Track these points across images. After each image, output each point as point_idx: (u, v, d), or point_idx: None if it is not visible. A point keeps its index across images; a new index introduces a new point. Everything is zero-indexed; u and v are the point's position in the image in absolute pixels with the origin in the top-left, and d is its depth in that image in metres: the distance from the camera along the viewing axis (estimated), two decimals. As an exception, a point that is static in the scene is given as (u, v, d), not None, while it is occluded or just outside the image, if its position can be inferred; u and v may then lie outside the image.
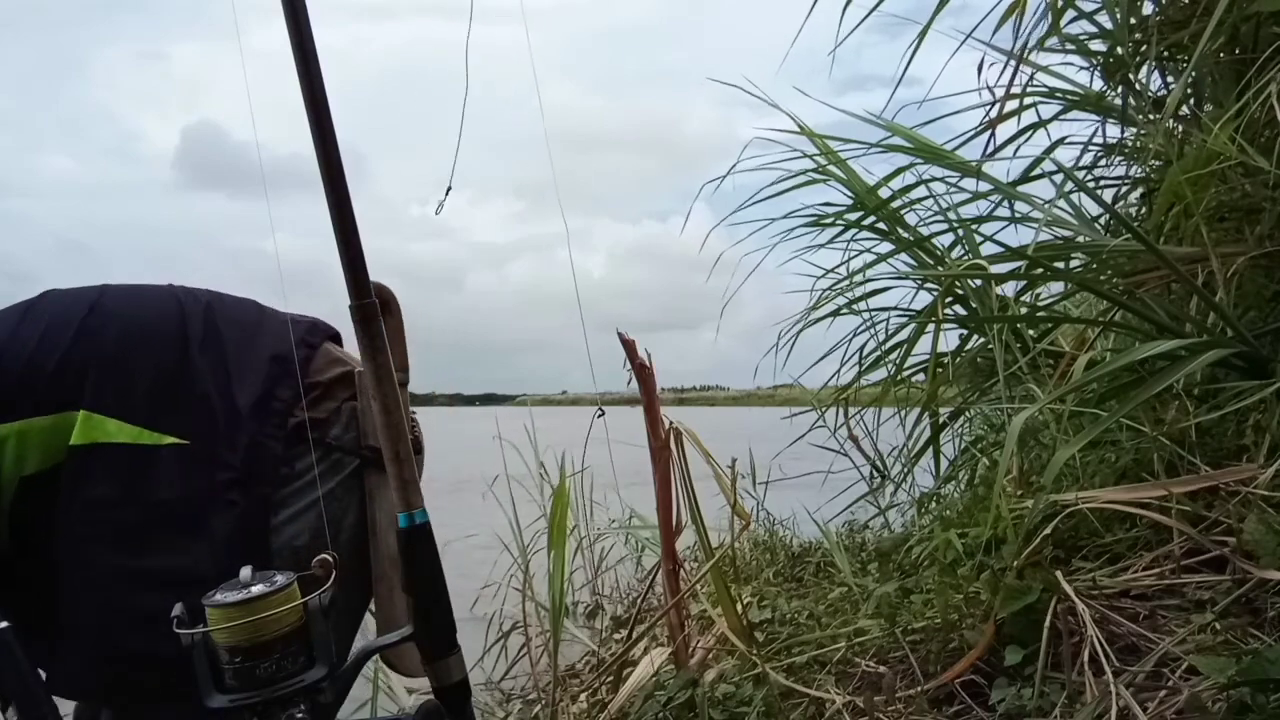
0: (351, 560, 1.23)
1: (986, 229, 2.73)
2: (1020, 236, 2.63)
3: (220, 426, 1.18)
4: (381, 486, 1.25)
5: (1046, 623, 1.52)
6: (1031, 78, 2.62)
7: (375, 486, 1.26)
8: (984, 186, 2.64)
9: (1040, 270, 2.40)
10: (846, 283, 2.95)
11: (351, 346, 1.34)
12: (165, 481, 1.14)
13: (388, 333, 1.27)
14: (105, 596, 1.12)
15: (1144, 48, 2.46)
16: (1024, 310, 2.60)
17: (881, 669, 1.85)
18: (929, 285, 2.77)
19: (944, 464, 2.86)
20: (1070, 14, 2.55)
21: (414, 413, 1.33)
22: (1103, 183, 2.84)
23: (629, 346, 2.11)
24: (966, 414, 3.02)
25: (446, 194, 1.11)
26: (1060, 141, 2.73)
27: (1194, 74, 2.29)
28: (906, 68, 2.60)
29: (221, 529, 1.15)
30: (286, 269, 1.37)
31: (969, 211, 2.75)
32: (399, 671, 1.21)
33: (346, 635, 1.28)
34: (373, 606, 1.30)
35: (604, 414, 1.88)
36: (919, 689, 1.68)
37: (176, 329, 1.22)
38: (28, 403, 1.11)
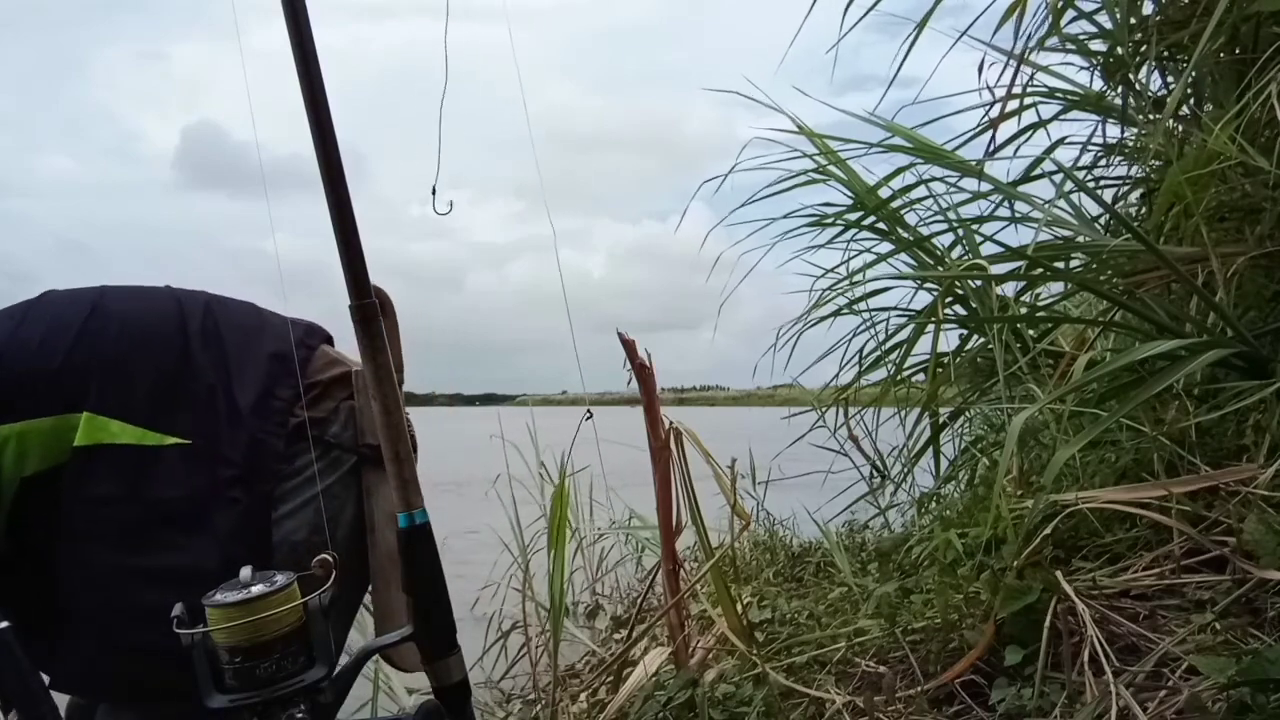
0: (348, 556, 1.24)
1: (986, 229, 2.74)
2: (1020, 236, 2.63)
3: (222, 424, 1.19)
4: (379, 484, 1.26)
5: (1046, 623, 1.52)
6: (1032, 78, 2.62)
7: (373, 484, 1.28)
8: (984, 186, 2.64)
9: (1040, 270, 2.40)
10: (846, 283, 2.95)
11: (343, 348, 1.35)
12: (168, 480, 1.15)
13: (388, 334, 1.28)
14: (110, 594, 1.13)
15: (1144, 48, 2.46)
16: (1024, 310, 2.60)
17: (881, 669, 1.85)
18: (929, 285, 2.77)
19: (944, 464, 2.86)
20: (1070, 14, 2.55)
21: (407, 413, 1.34)
22: (1103, 183, 2.85)
23: (629, 346, 2.11)
24: (966, 414, 3.02)
25: (434, 193, 1.11)
26: (1060, 141, 2.73)
27: (1194, 74, 2.29)
28: (900, 66, 2.61)
29: (224, 526, 1.16)
30: (286, 269, 1.38)
31: (969, 211, 2.75)
32: (400, 668, 1.21)
33: (341, 631, 1.30)
34: (370, 602, 1.31)
35: (591, 416, 1.88)
36: (919, 689, 1.68)
37: (177, 329, 1.23)
38: (29, 404, 1.12)
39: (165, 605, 0.91)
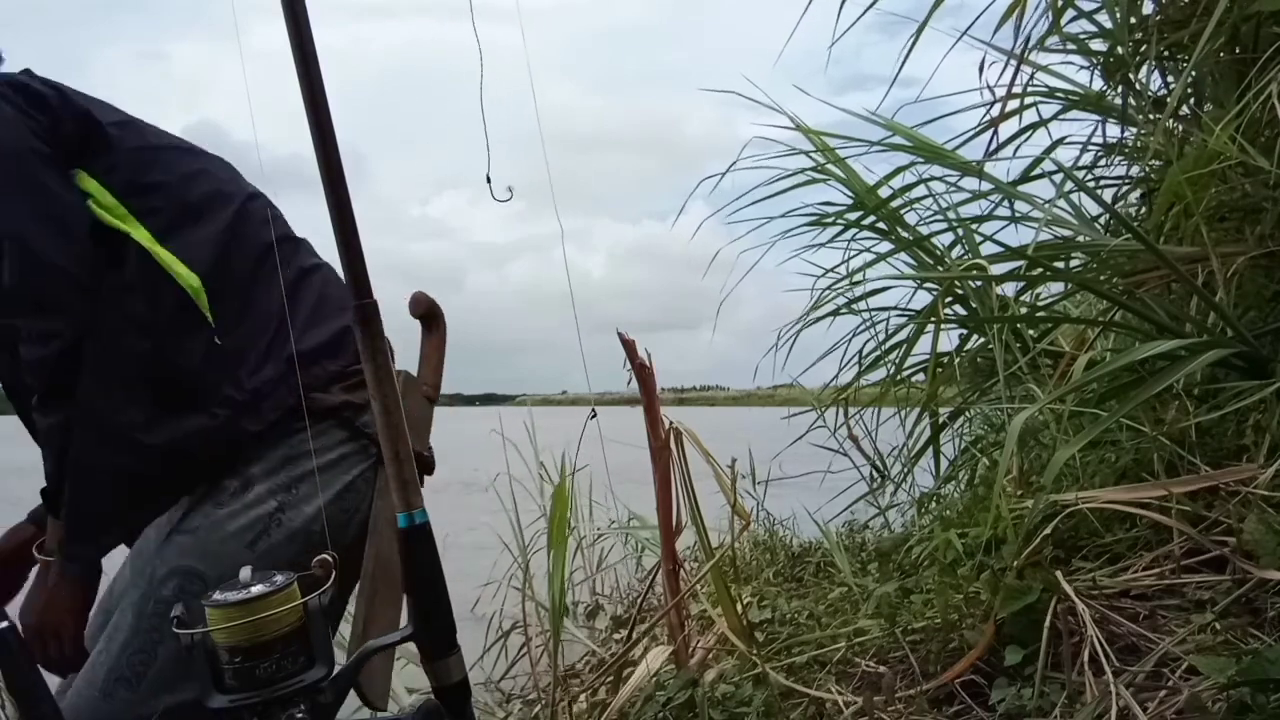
0: (353, 552, 1.25)
1: (986, 229, 2.74)
2: (1020, 236, 2.63)
3: (254, 346, 1.26)
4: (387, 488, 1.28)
5: (1046, 623, 1.52)
6: (1032, 77, 2.62)
7: (384, 485, 1.29)
8: (984, 186, 2.64)
9: (1040, 270, 2.40)
10: (846, 282, 2.95)
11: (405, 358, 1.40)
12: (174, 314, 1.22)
13: (430, 348, 1.31)
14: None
15: (1144, 47, 2.46)
16: (1024, 310, 2.60)
17: (881, 669, 1.85)
18: (929, 285, 2.77)
19: (944, 464, 2.86)
20: (1070, 13, 2.55)
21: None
22: (1103, 182, 2.85)
23: (629, 346, 2.11)
24: (966, 414, 3.02)
25: (489, 181, 1.15)
26: (1060, 141, 2.73)
27: (1194, 74, 2.29)
28: (901, 66, 2.61)
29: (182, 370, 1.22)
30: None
31: (969, 211, 2.75)
32: (363, 698, 1.22)
33: (332, 626, 1.31)
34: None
35: (596, 415, 1.88)
36: (919, 689, 1.68)
37: (290, 250, 1.34)
38: (142, 195, 1.22)
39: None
